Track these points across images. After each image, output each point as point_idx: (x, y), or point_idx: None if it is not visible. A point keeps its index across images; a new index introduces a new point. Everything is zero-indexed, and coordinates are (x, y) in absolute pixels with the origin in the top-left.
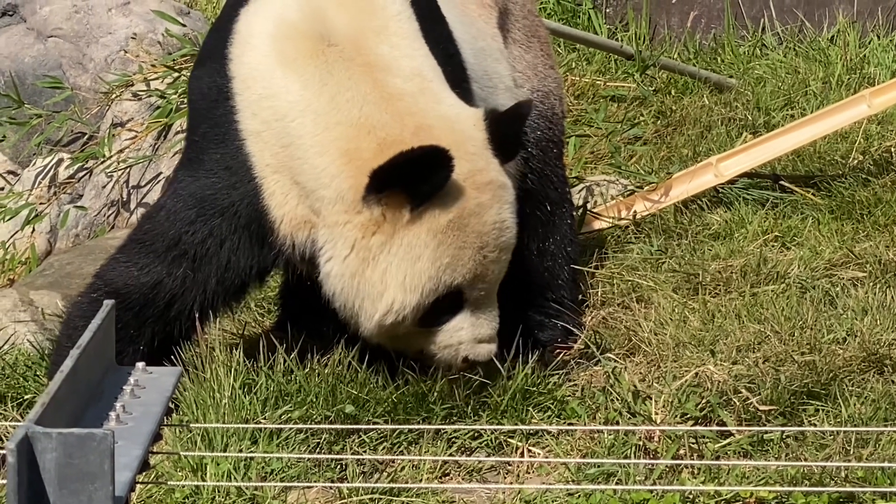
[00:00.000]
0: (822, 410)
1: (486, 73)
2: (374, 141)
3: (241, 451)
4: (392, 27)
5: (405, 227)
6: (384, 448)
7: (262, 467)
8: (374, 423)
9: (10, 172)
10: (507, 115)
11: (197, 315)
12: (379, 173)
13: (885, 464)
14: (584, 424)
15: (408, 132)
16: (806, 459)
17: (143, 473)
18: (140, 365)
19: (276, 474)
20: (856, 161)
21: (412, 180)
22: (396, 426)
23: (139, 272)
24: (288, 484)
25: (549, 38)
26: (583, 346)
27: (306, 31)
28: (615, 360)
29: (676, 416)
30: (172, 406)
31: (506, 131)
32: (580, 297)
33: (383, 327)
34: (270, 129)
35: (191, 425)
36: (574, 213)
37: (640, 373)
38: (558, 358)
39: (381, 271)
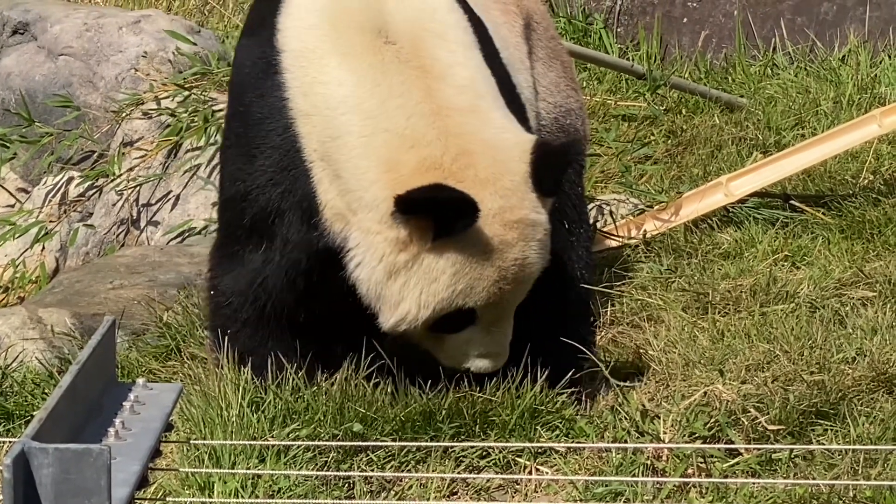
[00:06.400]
0: (831, 430)
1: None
2: (414, 157)
3: (248, 469)
4: (451, 34)
5: (427, 250)
6: (392, 466)
7: (270, 486)
8: (382, 442)
9: (20, 190)
10: (557, 151)
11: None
12: (403, 200)
13: (894, 483)
14: (593, 443)
15: (448, 156)
16: (814, 479)
17: (143, 490)
18: (140, 381)
19: (284, 493)
20: (866, 181)
21: (435, 216)
22: (404, 444)
23: None
24: (296, 502)
25: (572, 63)
26: (592, 366)
27: (363, 18)
28: (624, 381)
29: (685, 435)
30: (179, 423)
31: (550, 168)
32: (591, 317)
33: (397, 331)
34: (320, 115)
35: (198, 443)
36: (591, 235)
37: (649, 392)
38: (567, 377)
39: (400, 284)
